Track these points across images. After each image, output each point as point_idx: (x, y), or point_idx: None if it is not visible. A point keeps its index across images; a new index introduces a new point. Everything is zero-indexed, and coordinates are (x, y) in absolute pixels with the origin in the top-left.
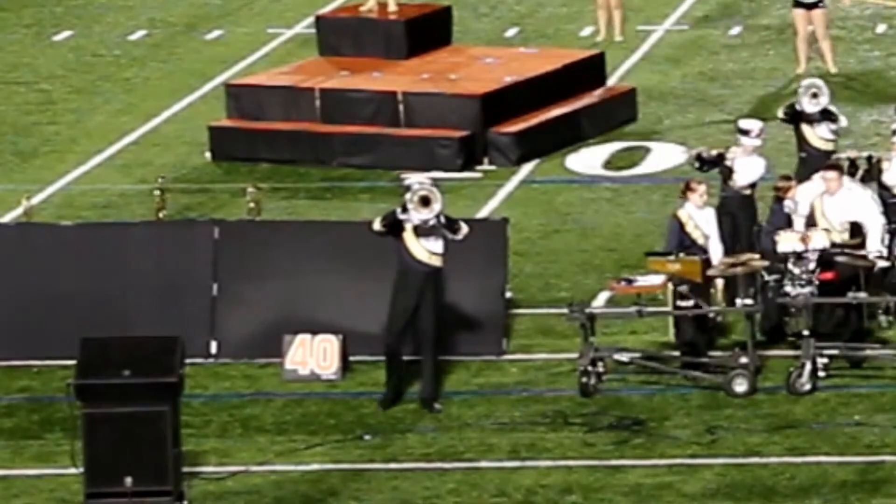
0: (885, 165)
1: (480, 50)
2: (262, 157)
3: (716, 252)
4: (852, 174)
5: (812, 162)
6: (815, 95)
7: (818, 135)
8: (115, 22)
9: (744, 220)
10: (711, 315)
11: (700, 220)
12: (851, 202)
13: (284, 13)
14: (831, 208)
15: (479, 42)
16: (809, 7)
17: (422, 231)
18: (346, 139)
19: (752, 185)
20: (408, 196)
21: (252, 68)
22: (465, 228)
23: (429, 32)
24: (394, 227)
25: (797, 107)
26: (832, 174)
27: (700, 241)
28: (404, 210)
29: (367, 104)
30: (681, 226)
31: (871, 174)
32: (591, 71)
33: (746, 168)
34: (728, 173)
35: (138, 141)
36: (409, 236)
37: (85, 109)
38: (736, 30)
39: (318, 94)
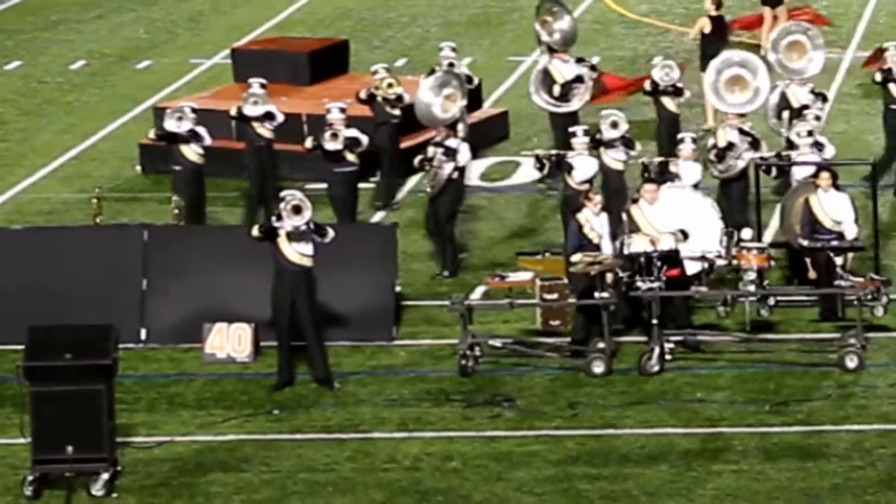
0: (672, 168)
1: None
2: None
3: (607, 250)
4: (646, 177)
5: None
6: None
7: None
8: (58, 53)
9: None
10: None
11: (595, 223)
12: (690, 208)
13: (204, 46)
14: (655, 216)
15: None
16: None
17: (294, 236)
18: None
19: (589, 181)
20: (282, 205)
21: (177, 93)
22: (331, 233)
23: (329, 62)
24: (269, 233)
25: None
26: (651, 186)
27: (595, 240)
28: (279, 218)
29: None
30: (579, 228)
31: (663, 177)
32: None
33: (584, 165)
34: (569, 169)
35: (78, 156)
36: (283, 241)
37: (32, 129)
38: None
39: None
